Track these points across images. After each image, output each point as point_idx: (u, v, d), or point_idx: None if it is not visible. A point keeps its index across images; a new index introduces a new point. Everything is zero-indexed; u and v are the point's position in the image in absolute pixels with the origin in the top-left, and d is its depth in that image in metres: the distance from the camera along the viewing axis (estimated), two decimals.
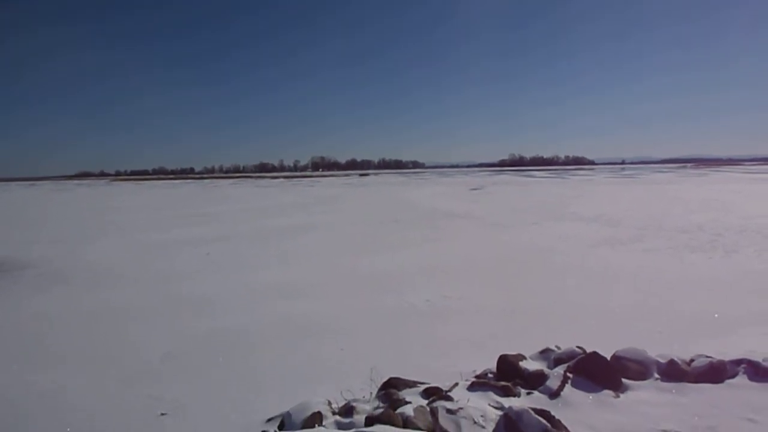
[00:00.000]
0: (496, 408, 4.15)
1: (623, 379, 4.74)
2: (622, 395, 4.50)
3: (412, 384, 4.78)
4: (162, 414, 5.11)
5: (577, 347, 5.30)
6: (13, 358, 6.76)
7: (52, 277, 11.79)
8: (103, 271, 12.40)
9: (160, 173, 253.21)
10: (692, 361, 4.96)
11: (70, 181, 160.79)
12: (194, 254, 14.53)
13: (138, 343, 7.26)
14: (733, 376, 4.74)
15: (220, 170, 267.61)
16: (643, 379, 4.80)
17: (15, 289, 10.70)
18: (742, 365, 4.85)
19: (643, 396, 4.47)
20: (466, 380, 4.83)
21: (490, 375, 5.11)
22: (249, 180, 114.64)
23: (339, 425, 4.11)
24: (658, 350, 5.22)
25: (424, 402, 4.29)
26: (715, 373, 4.74)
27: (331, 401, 4.49)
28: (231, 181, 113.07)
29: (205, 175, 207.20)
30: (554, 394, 4.48)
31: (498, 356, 5.18)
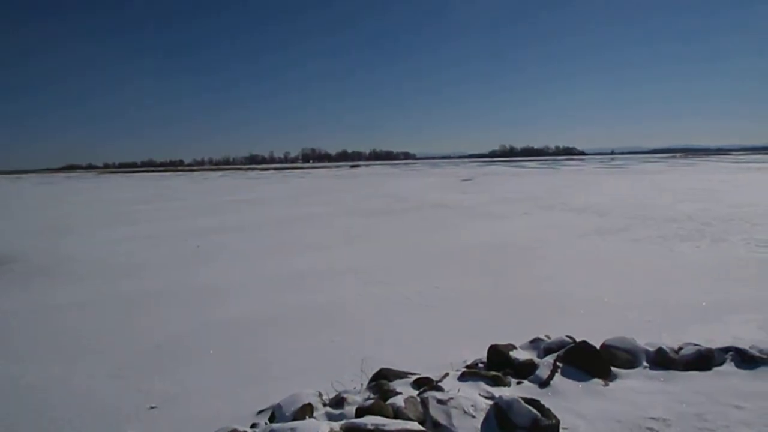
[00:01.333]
0: (486, 398, 4.17)
1: (612, 368, 4.78)
2: (611, 383, 4.54)
3: (402, 375, 4.79)
4: (152, 407, 5.08)
5: (567, 336, 5.33)
6: (1, 353, 6.69)
7: (39, 272, 11.68)
8: (90, 266, 12.29)
9: (149, 165, 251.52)
10: (680, 349, 5.01)
11: (58, 175, 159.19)
12: (184, 247, 14.44)
13: (125, 336, 7.20)
14: (721, 364, 4.80)
15: (210, 162, 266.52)
16: (632, 367, 4.85)
17: (0, 283, 10.60)
18: (730, 353, 4.91)
19: (632, 384, 4.51)
20: (457, 370, 4.85)
21: (480, 365, 5.13)
22: (239, 172, 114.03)
23: (330, 416, 4.11)
24: (646, 339, 5.27)
25: (415, 392, 4.30)
26: (703, 360, 4.79)
27: (322, 393, 4.49)
28: (221, 173, 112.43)
29: (194, 168, 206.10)
30: (544, 384, 4.51)
31: (488, 346, 5.20)
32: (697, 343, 5.12)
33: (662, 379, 4.57)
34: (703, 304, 7.63)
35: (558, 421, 3.80)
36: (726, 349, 4.97)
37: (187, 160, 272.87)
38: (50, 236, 17.43)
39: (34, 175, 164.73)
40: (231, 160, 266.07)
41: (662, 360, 4.86)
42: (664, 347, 4.95)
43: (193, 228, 18.47)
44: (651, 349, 4.99)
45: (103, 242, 15.79)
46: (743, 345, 4.98)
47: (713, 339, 5.49)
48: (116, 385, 5.63)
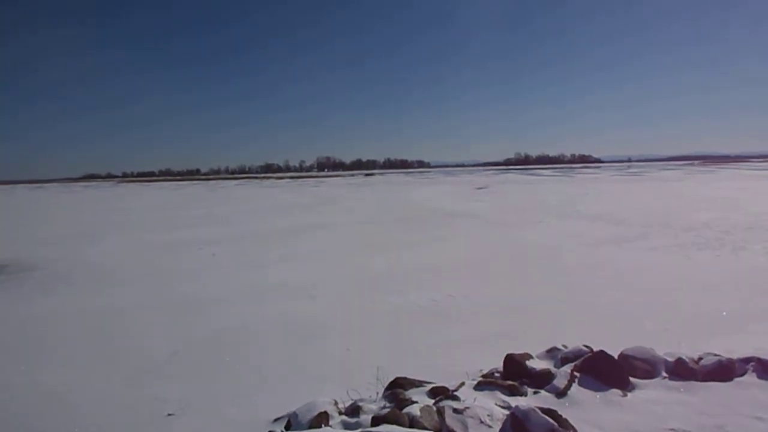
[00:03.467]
0: (502, 407, 4.14)
1: (631, 378, 4.72)
2: (629, 394, 4.48)
3: (418, 383, 4.78)
4: (169, 414, 5.13)
5: (584, 346, 5.28)
6: (21, 358, 6.80)
7: (59, 278, 11.87)
8: (109, 272, 12.45)
9: (167, 175, 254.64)
10: (700, 359, 4.93)
11: (77, 184, 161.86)
12: (200, 255, 14.56)
13: (142, 342, 7.28)
14: (742, 375, 4.71)
15: (226, 171, 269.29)
16: (651, 377, 4.78)
17: (22, 291, 10.78)
18: (751, 363, 4.82)
19: (651, 395, 4.45)
20: (473, 379, 4.82)
21: (496, 374, 5.10)
22: (254, 181, 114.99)
23: (345, 425, 4.11)
24: (665, 349, 5.20)
25: (431, 401, 4.28)
26: (724, 371, 4.71)
27: (338, 401, 4.50)
28: (236, 181, 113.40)
29: (210, 177, 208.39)
30: (561, 393, 4.46)
31: (504, 355, 5.17)
32: (717, 353, 5.04)
33: (682, 389, 4.50)
34: (723, 313, 7.51)
35: None
36: (747, 360, 4.88)
37: (203, 170, 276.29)
38: (70, 244, 17.71)
39: (55, 184, 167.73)
40: (247, 169, 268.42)
41: (682, 370, 4.79)
42: (683, 357, 4.88)
43: (208, 236, 18.63)
44: (670, 359, 4.92)
45: (121, 250, 16.00)
46: (765, 355, 4.88)
47: (734, 349, 5.40)
48: (133, 392, 5.69)
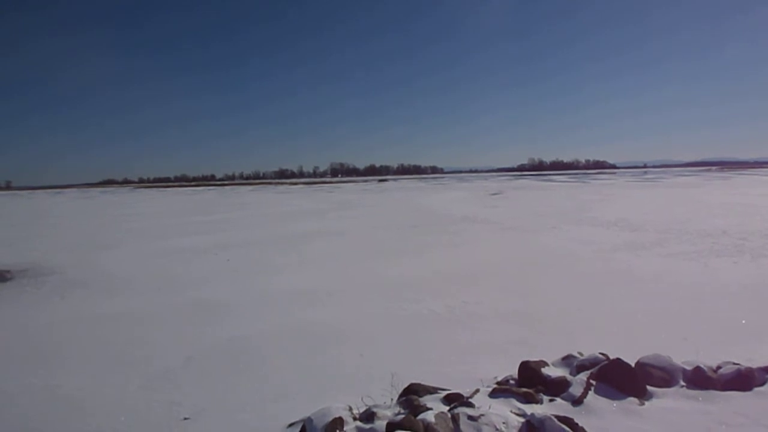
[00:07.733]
0: (518, 415, 4.12)
1: (648, 387, 4.66)
2: (646, 403, 4.44)
3: (433, 390, 4.77)
4: (185, 418, 5.17)
5: (600, 353, 5.23)
6: (38, 363, 6.89)
7: (76, 284, 12.02)
8: (123, 278, 12.59)
9: (182, 180, 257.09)
10: (719, 368, 4.87)
11: (94, 189, 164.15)
12: (214, 260, 14.68)
13: (157, 348, 7.35)
14: (762, 384, 4.64)
15: (241, 177, 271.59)
16: (669, 386, 4.72)
17: (39, 296, 10.93)
18: None
19: (669, 403, 4.40)
20: (488, 387, 4.80)
21: (511, 381, 5.08)
22: (269, 186, 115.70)
23: (360, 431, 4.11)
24: (683, 357, 5.13)
25: (445, 408, 4.27)
26: (743, 380, 4.64)
27: (352, 407, 4.50)
28: (251, 187, 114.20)
29: (225, 182, 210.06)
30: (577, 401, 4.43)
31: (519, 362, 5.14)
32: (736, 362, 4.97)
33: (700, 398, 4.45)
34: (743, 321, 7.41)
35: None
36: (767, 369, 4.81)
37: (218, 175, 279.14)
38: (86, 250, 17.94)
39: (73, 189, 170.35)
40: (261, 174, 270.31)
41: (700, 379, 4.72)
42: (701, 366, 4.82)
43: (222, 242, 18.77)
44: (688, 367, 4.86)
45: (137, 256, 16.17)
46: None
47: (753, 358, 5.33)
48: (149, 397, 5.75)
